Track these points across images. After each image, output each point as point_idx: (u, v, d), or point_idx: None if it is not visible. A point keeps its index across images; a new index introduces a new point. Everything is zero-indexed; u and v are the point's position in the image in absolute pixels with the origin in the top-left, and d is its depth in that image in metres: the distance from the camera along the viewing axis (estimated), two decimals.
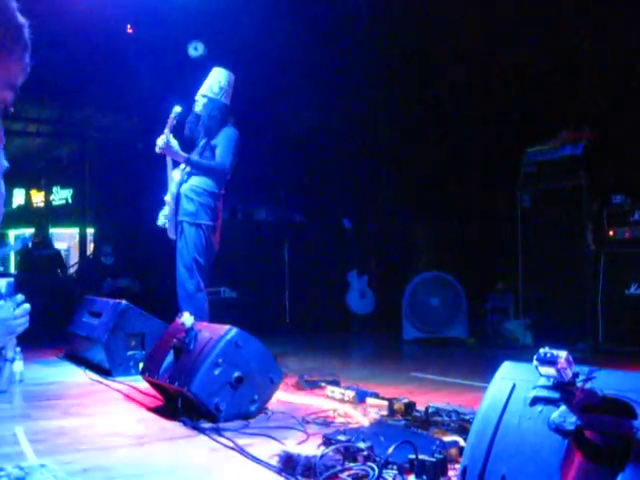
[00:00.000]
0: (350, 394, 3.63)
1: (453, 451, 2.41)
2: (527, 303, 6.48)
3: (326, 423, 3.13)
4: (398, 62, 8.14)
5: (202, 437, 2.93)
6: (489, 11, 6.76)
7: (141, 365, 4.08)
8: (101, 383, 4.51)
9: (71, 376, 4.85)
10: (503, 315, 6.75)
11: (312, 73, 8.37)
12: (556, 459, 1.68)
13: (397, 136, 8.74)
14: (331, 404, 3.53)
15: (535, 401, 1.82)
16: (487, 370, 2.30)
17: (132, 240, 9.46)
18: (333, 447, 2.39)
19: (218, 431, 2.97)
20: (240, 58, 6.60)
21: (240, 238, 8.06)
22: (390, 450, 2.20)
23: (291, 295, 8.52)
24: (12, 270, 11.27)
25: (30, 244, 8.99)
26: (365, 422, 3.12)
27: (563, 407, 1.72)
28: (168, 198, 4.79)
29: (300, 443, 2.71)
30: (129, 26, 8.03)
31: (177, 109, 4.65)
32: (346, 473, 2.24)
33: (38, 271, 8.19)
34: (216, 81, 4.84)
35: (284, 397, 3.76)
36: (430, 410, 3.09)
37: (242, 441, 2.79)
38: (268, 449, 2.64)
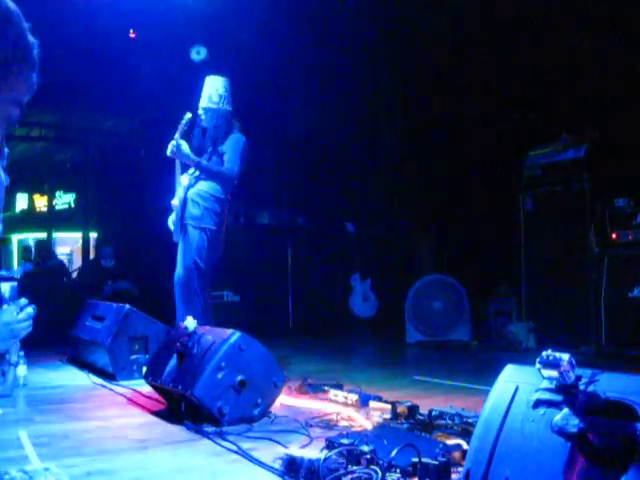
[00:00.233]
0: (353, 397, 3.63)
1: (456, 454, 2.41)
2: (530, 306, 6.46)
3: (329, 426, 3.13)
4: (400, 65, 8.15)
5: (205, 441, 2.93)
6: (489, 11, 6.77)
7: (144, 369, 4.08)
8: (105, 387, 4.51)
9: (75, 380, 4.85)
10: (506, 318, 6.74)
11: (314, 76, 8.39)
12: (559, 462, 1.68)
13: (399, 139, 8.76)
14: (334, 407, 3.52)
15: (538, 404, 1.81)
16: (490, 373, 2.30)
17: (133, 243, 9.49)
18: (336, 450, 2.39)
19: (221, 435, 2.96)
20: (241, 61, 6.62)
21: (243, 242, 8.07)
22: (393, 453, 2.20)
23: (294, 298, 8.53)
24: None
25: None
26: (368, 425, 3.11)
27: (566, 410, 1.71)
28: (175, 202, 4.79)
29: (303, 446, 2.71)
30: (132, 31, 8.06)
31: (188, 116, 4.66)
32: (349, 476, 2.24)
33: (44, 285, 8.11)
34: (214, 90, 4.83)
35: (287, 401, 3.75)
36: (433, 413, 3.09)
37: (245, 445, 2.79)
38: (271, 453, 2.64)
